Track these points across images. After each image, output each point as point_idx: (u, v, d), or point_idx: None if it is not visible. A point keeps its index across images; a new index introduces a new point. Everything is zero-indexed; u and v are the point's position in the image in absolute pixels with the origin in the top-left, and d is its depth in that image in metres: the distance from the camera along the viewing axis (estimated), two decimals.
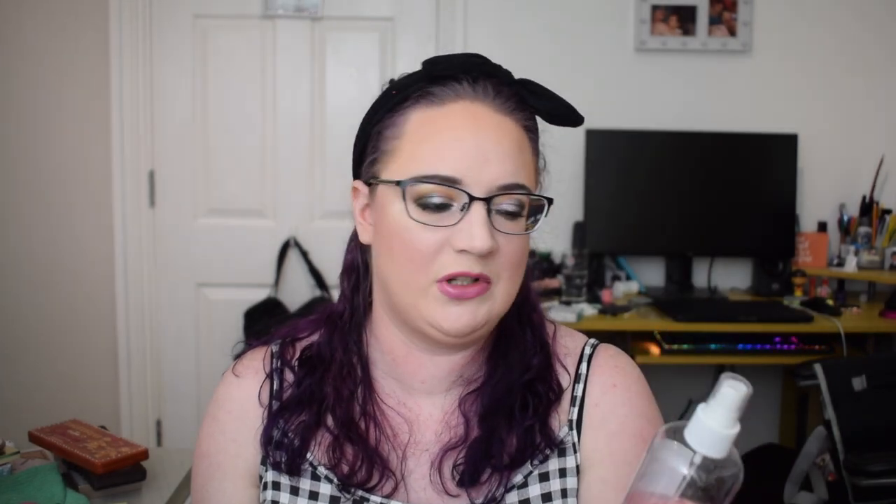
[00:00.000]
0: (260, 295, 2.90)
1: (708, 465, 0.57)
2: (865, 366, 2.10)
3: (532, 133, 0.84)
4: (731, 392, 0.57)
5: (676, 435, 0.58)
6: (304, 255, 2.91)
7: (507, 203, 0.79)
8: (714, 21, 2.87)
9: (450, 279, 0.78)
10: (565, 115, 0.85)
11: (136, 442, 1.38)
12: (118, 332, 2.97)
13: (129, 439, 1.40)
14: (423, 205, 0.78)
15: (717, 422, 0.57)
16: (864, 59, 2.90)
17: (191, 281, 2.98)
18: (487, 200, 0.77)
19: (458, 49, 2.83)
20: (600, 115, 2.85)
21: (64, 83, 2.85)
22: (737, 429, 0.57)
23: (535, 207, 0.83)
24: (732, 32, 2.88)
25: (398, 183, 0.79)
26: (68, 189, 2.89)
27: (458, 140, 0.78)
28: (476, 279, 0.78)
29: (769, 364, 2.74)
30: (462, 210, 0.77)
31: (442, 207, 0.78)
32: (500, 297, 0.81)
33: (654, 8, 2.86)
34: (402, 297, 0.81)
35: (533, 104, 0.83)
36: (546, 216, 0.82)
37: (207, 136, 2.94)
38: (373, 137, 0.84)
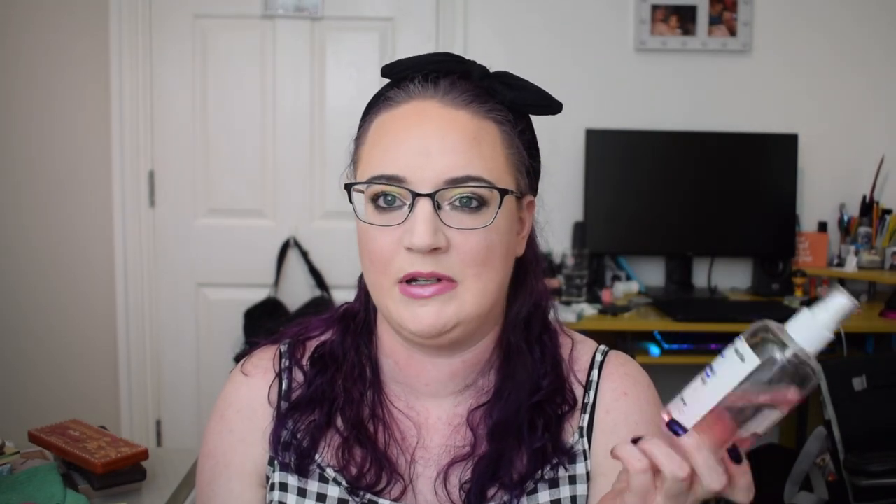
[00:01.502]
0: (260, 295, 2.89)
1: (801, 356, 0.62)
2: (865, 366, 2.10)
3: (503, 124, 0.81)
4: (844, 301, 0.62)
5: (768, 332, 0.63)
6: (304, 255, 2.91)
7: (458, 195, 0.77)
8: (714, 21, 2.87)
9: (406, 280, 0.78)
10: (540, 103, 0.84)
11: (136, 442, 1.38)
12: (118, 332, 2.97)
13: (129, 439, 1.40)
14: (376, 206, 0.79)
15: (822, 320, 0.63)
16: (864, 59, 2.90)
17: (191, 281, 2.98)
18: (431, 196, 0.76)
19: (457, 49, 2.83)
20: (600, 115, 2.86)
21: (64, 83, 2.84)
22: (832, 336, 0.63)
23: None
24: (732, 32, 2.88)
25: (345, 187, 0.81)
26: (68, 189, 2.89)
27: (402, 139, 0.78)
28: (436, 279, 0.77)
29: None
30: (410, 208, 0.77)
31: (393, 207, 0.78)
32: (470, 296, 0.78)
33: (654, 8, 2.86)
34: (377, 300, 0.82)
35: (504, 96, 0.82)
36: (501, 208, 0.78)
37: (207, 136, 2.94)
38: (353, 148, 0.86)
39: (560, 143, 2.83)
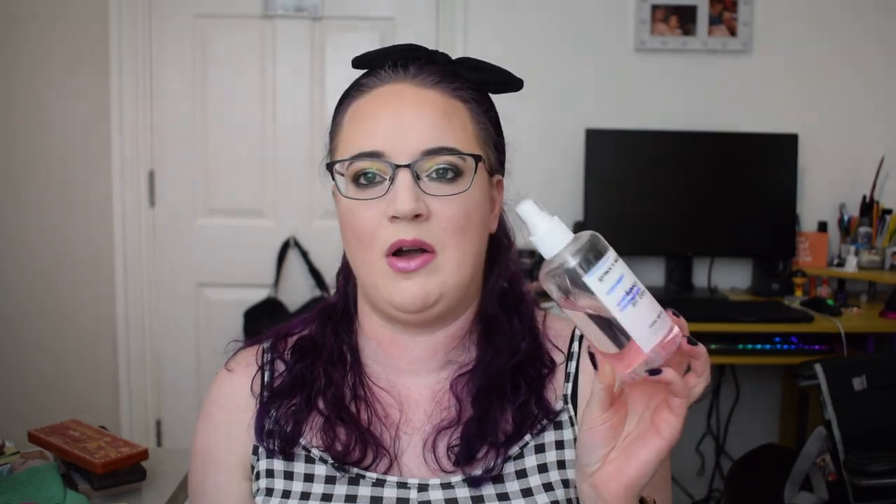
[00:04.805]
0: (260, 295, 2.90)
1: (571, 249, 0.65)
2: (865, 366, 2.10)
3: (469, 102, 0.87)
4: (526, 207, 0.68)
5: (545, 271, 0.67)
6: (304, 255, 2.91)
7: (435, 166, 0.82)
8: (714, 21, 2.87)
9: (393, 252, 0.81)
10: (500, 81, 0.89)
11: (136, 442, 1.38)
12: (118, 332, 2.97)
13: (129, 439, 1.40)
14: (357, 183, 0.83)
15: (544, 229, 0.67)
16: (864, 58, 2.90)
17: (191, 281, 2.98)
18: (410, 166, 0.81)
19: (458, 49, 2.83)
20: (600, 115, 2.85)
21: (64, 83, 2.85)
22: (555, 218, 0.68)
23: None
24: (732, 32, 2.88)
25: (328, 166, 0.86)
26: (68, 189, 2.89)
27: (378, 117, 0.83)
28: (420, 250, 0.81)
29: (769, 364, 2.74)
30: (391, 180, 0.81)
31: (374, 183, 0.82)
32: (450, 266, 0.82)
33: (654, 8, 2.86)
34: (363, 279, 0.86)
35: (467, 77, 0.87)
36: (476, 173, 0.83)
37: (207, 136, 2.94)
38: (329, 139, 0.90)
39: (560, 143, 2.83)
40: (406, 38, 3.13)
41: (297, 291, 2.92)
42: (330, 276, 2.83)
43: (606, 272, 0.64)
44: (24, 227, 2.83)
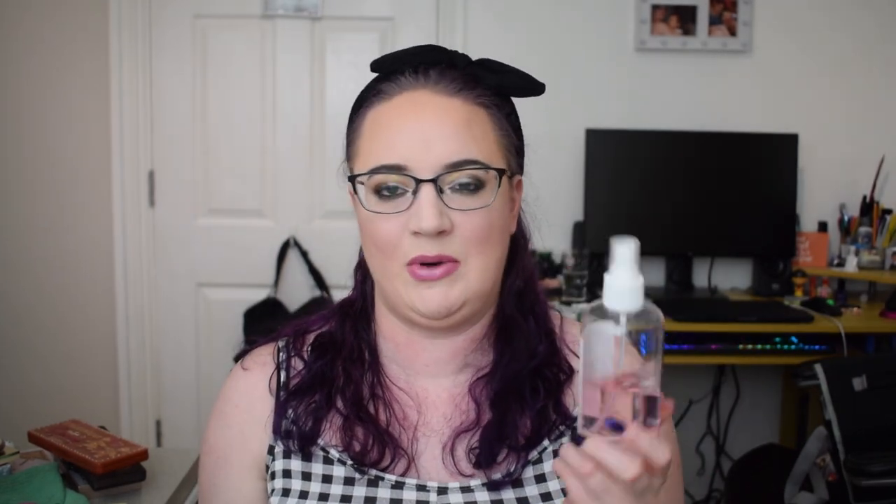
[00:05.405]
0: (260, 295, 2.90)
1: (633, 319, 0.63)
2: (865, 366, 2.10)
3: (492, 109, 0.85)
4: (624, 249, 0.63)
5: (595, 313, 0.64)
6: (304, 255, 2.91)
7: (458, 179, 0.80)
8: (714, 21, 2.87)
9: (413, 263, 0.81)
10: (522, 86, 0.87)
11: (136, 442, 1.38)
12: (118, 332, 2.97)
13: (128, 439, 1.40)
14: (379, 195, 0.82)
15: (623, 279, 0.63)
16: (865, 58, 2.90)
17: (191, 281, 2.98)
18: (434, 181, 0.79)
19: (458, 49, 2.83)
20: (600, 115, 2.85)
21: (64, 83, 2.84)
22: (641, 279, 0.64)
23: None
24: (732, 32, 2.88)
25: (349, 178, 0.85)
26: (68, 189, 2.89)
27: (400, 129, 0.81)
28: (437, 262, 0.80)
29: (769, 364, 2.74)
30: (413, 194, 0.80)
31: (396, 195, 0.81)
32: (474, 274, 0.82)
33: (654, 8, 2.86)
34: (384, 285, 0.85)
35: (488, 81, 0.85)
36: (500, 187, 0.82)
37: (207, 136, 2.94)
38: (346, 142, 0.89)
39: (560, 143, 2.83)
40: (406, 38, 3.16)
41: (297, 291, 2.92)
42: (330, 277, 2.85)
43: (595, 361, 0.64)
44: (24, 227, 2.83)
